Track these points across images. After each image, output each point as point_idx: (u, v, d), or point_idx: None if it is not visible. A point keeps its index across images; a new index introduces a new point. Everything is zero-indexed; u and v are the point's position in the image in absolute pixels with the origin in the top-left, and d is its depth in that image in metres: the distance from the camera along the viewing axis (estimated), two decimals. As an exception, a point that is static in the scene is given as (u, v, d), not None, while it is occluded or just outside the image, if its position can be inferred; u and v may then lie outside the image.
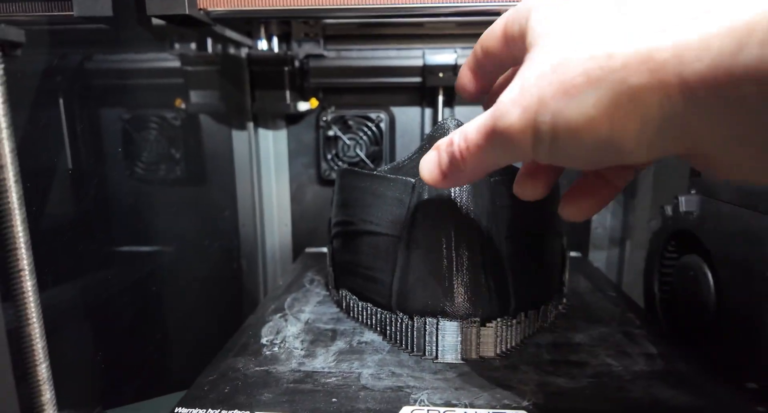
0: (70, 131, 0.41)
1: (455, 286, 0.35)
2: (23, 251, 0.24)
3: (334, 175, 0.69)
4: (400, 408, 0.29)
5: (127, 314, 0.47)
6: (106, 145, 0.46)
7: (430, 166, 0.26)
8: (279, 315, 0.43)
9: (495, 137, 0.21)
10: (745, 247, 0.37)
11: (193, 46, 0.58)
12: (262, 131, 0.71)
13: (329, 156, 0.69)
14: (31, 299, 0.25)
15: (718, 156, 0.18)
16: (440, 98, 0.66)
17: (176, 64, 0.57)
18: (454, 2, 0.41)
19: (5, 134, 0.23)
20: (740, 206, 0.39)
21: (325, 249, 0.53)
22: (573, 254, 0.62)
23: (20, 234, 0.24)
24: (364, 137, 0.68)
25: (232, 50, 0.64)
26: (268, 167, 0.72)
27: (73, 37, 0.43)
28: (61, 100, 0.41)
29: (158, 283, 0.51)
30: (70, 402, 0.30)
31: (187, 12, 0.40)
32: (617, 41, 0.17)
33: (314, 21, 0.64)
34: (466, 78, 0.29)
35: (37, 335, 0.26)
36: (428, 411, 0.29)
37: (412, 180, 0.37)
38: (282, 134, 0.71)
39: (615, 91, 0.17)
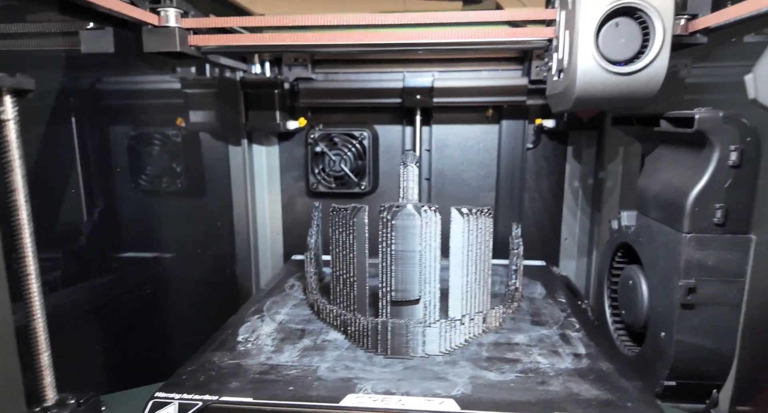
0: (80, 146, 0.47)
1: None
2: (31, 258, 0.30)
3: (321, 188, 0.74)
4: (345, 395, 0.34)
5: (125, 313, 0.52)
6: (113, 159, 0.52)
7: None
8: (257, 316, 0.48)
9: None
10: (666, 258, 0.42)
11: (192, 71, 0.64)
12: (255, 147, 0.76)
13: (317, 170, 0.74)
14: (36, 299, 0.31)
15: None
16: (418, 118, 0.71)
17: (177, 87, 0.63)
18: (428, 39, 0.47)
19: (17, 163, 0.29)
20: (660, 221, 0.43)
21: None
22: (537, 263, 0.66)
23: (29, 245, 0.30)
24: (349, 153, 0.73)
25: (227, 74, 0.70)
26: (262, 180, 0.78)
27: (84, 62, 0.49)
28: (72, 119, 0.47)
29: (157, 286, 0.57)
30: (68, 388, 0.35)
31: (178, 49, 0.46)
32: None
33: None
34: None
35: (41, 329, 0.31)
36: (369, 398, 0.34)
37: None
38: (274, 150, 0.77)
39: None
